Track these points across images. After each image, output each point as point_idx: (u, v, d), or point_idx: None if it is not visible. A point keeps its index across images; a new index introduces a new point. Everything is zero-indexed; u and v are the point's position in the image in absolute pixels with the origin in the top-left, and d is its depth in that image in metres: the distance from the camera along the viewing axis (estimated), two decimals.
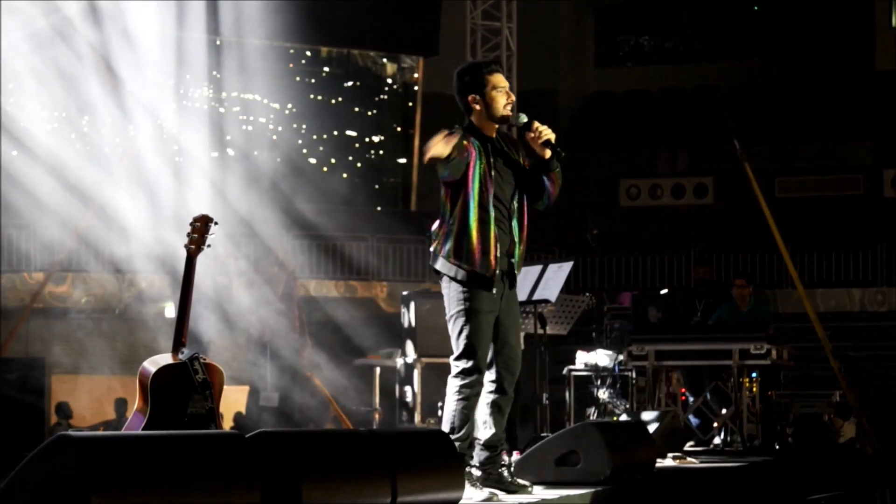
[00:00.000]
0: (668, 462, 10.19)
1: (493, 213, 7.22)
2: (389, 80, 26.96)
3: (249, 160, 21.96)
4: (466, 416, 7.23)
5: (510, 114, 7.35)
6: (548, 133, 7.35)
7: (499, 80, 7.37)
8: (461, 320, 7.23)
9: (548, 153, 7.35)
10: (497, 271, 7.23)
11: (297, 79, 25.05)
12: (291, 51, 24.75)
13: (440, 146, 6.88)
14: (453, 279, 7.25)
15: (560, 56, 30.17)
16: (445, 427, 7.21)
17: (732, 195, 25.91)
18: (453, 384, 7.25)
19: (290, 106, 24.23)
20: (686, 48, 31.24)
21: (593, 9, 31.64)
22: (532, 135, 7.36)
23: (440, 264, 7.32)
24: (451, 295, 7.28)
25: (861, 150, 28.35)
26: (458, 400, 7.23)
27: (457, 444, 7.00)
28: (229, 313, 14.81)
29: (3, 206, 17.36)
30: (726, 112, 18.47)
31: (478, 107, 7.31)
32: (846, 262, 24.92)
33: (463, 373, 7.23)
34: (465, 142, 7.14)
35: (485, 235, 7.21)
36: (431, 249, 7.38)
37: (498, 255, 7.22)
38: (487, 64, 7.64)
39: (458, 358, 7.26)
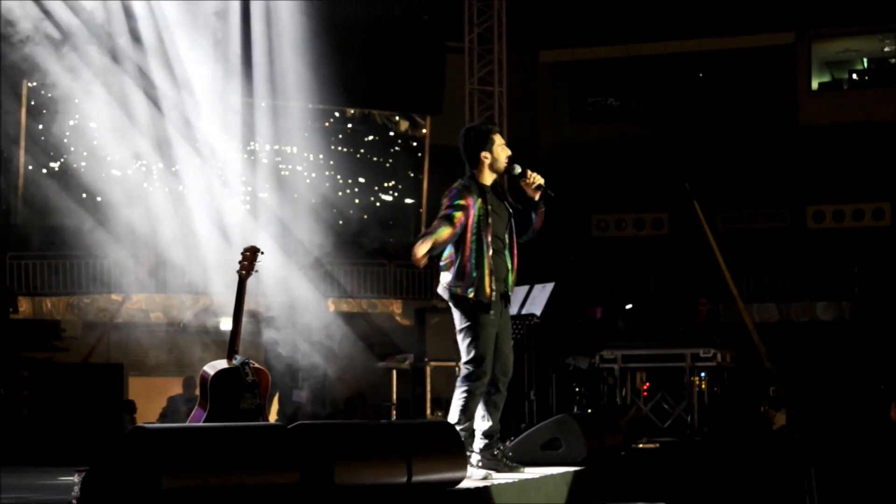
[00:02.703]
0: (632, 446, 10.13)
1: (491, 249, 7.24)
2: (402, 135, 26.95)
3: (289, 200, 21.97)
4: (471, 411, 7.23)
5: (508, 164, 7.41)
6: (539, 179, 7.45)
7: (500, 138, 7.48)
8: (470, 335, 7.22)
9: (538, 195, 7.42)
10: (494, 295, 7.23)
11: (327, 134, 25.06)
12: (332, 114, 24.77)
13: (422, 247, 6.97)
14: (457, 306, 7.26)
15: (540, 114, 30.18)
16: (452, 419, 7.19)
17: (684, 227, 25.88)
18: (462, 385, 7.24)
19: (321, 156, 24.23)
20: (642, 108, 31.31)
21: (567, 75, 31.66)
22: (527, 181, 7.43)
23: (445, 293, 7.33)
24: (462, 313, 7.28)
25: (787, 190, 28.34)
26: (466, 398, 7.21)
27: (462, 433, 7.00)
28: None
29: (93, 240, 17.40)
30: (676, 161, 18.56)
31: (487, 161, 7.35)
32: (777, 281, 24.87)
33: (470, 377, 7.21)
34: (464, 198, 7.21)
35: (481, 269, 7.21)
36: (441, 276, 7.36)
37: (494, 283, 7.23)
38: (490, 125, 7.79)
39: (466, 363, 7.25)
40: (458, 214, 7.16)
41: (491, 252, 7.23)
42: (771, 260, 25.58)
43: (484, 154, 7.35)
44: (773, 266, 25.07)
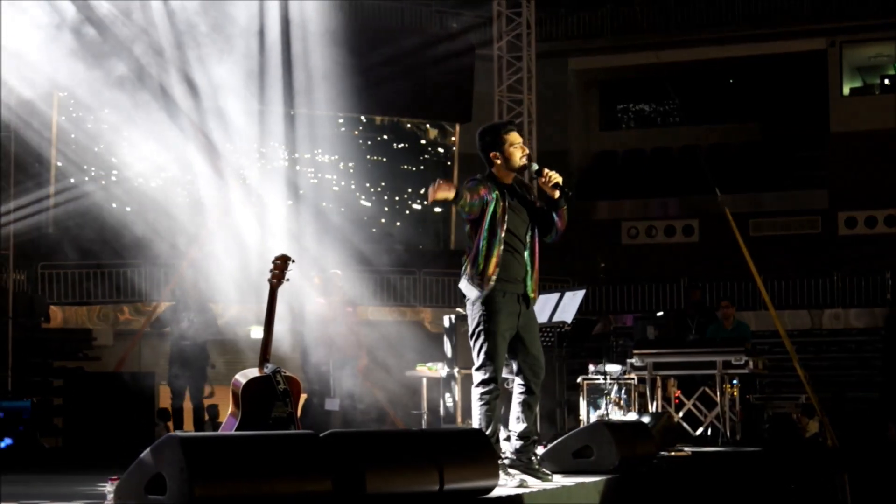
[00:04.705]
0: (664, 454, 10.09)
1: (503, 244, 7.17)
2: (432, 143, 26.99)
3: (318, 209, 22.03)
4: (490, 417, 7.16)
5: (525, 163, 7.32)
6: (556, 177, 7.27)
7: (514, 137, 7.35)
8: (480, 338, 7.15)
9: (556, 194, 7.31)
10: (505, 293, 7.16)
11: (357, 143, 25.13)
12: (362, 122, 24.84)
13: (442, 191, 6.77)
14: (473, 299, 7.21)
15: (570, 122, 30.16)
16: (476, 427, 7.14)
17: (715, 234, 25.80)
18: (476, 392, 7.17)
19: (350, 164, 24.29)
20: (672, 115, 31.28)
21: (597, 84, 31.66)
22: (543, 179, 7.31)
23: (462, 284, 7.31)
24: (473, 315, 7.23)
25: (819, 196, 28.25)
26: (482, 405, 7.15)
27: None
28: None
29: (123, 249, 17.46)
30: (706, 167, 18.49)
31: (498, 161, 7.28)
32: (809, 288, 24.76)
33: (483, 382, 7.14)
34: (482, 187, 7.14)
35: (495, 262, 7.15)
36: (461, 272, 7.36)
37: (497, 281, 7.14)
38: (504, 125, 7.50)
39: (478, 369, 7.20)
40: (480, 188, 7.13)
41: (503, 248, 7.16)
42: (803, 266, 25.48)
43: (494, 154, 7.27)
44: (804, 272, 24.97)
